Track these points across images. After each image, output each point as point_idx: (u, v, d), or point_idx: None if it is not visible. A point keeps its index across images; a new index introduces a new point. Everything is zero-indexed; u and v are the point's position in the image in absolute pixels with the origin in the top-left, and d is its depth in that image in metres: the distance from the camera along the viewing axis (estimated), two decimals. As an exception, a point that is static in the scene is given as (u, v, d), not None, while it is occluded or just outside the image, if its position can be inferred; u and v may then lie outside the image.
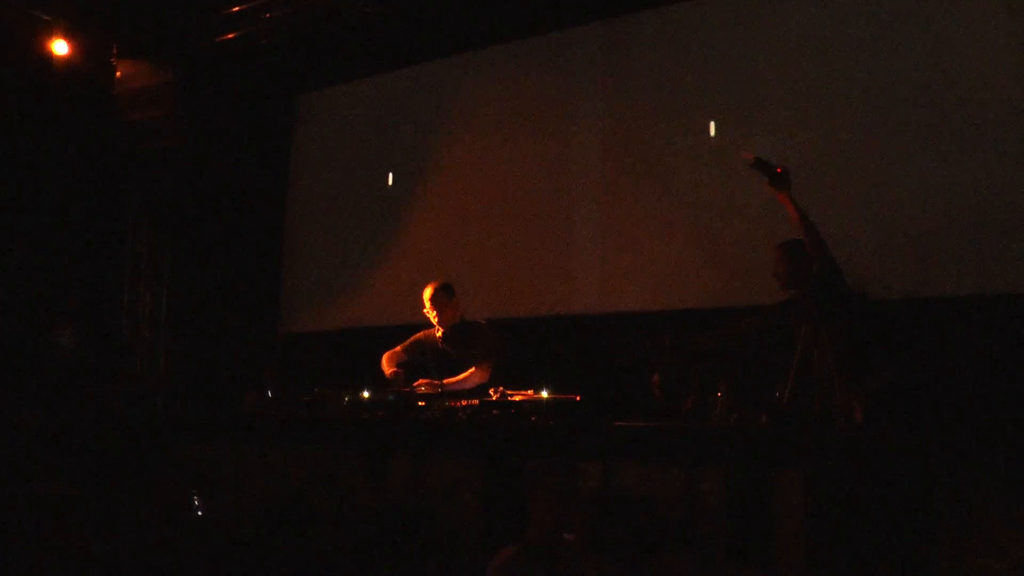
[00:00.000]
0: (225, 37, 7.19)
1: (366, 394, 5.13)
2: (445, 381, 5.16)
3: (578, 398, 4.42)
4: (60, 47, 7.07)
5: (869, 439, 3.84)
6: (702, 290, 5.93)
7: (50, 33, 7.02)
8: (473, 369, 5.28)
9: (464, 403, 4.72)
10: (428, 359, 5.60)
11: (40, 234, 7.59)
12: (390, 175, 7.50)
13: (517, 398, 4.64)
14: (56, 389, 7.26)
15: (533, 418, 4.42)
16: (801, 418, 4.17)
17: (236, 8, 6.92)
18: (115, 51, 7.37)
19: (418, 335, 5.69)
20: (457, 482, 4.41)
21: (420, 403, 4.95)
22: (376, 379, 5.38)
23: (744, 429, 4.19)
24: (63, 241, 7.68)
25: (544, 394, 4.55)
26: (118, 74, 7.37)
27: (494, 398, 4.68)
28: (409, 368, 5.52)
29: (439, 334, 5.55)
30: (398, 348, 5.65)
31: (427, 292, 5.52)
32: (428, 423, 4.79)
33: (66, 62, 7.15)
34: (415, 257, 7.24)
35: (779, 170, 4.36)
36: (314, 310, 7.80)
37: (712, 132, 6.02)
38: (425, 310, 5.52)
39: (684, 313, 5.98)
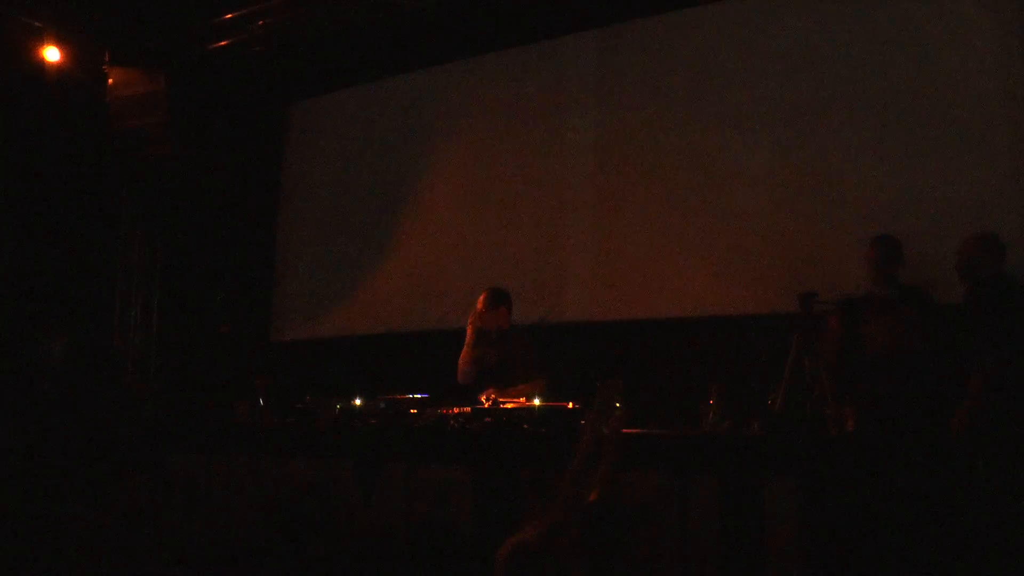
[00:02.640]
0: (218, 45, 7.17)
1: (358, 402, 5.11)
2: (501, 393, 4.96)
3: (570, 405, 4.41)
4: (52, 54, 7.03)
5: (861, 447, 3.84)
6: (695, 298, 5.93)
7: (42, 40, 6.99)
8: (535, 383, 5.08)
9: (456, 411, 4.71)
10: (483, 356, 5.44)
11: (31, 242, 7.55)
12: (381, 183, 7.49)
13: (509, 405, 4.63)
14: (47, 398, 7.22)
15: (525, 426, 4.41)
16: (793, 426, 4.17)
17: (229, 16, 6.91)
18: (107, 58, 7.35)
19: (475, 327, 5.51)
20: (449, 490, 4.40)
21: (412, 410, 4.93)
22: (367, 388, 5.36)
23: (736, 437, 4.19)
24: (54, 249, 7.64)
25: (536, 402, 4.54)
26: (110, 81, 7.35)
27: (486, 405, 4.67)
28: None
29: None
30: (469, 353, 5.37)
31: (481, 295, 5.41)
32: (420, 431, 4.78)
33: (58, 69, 7.11)
34: (407, 265, 7.23)
35: None
36: (306, 318, 7.78)
37: (705, 139, 6.04)
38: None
39: (675, 321, 5.99)
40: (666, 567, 3.76)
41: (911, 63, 5.38)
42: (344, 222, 7.67)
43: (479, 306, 5.24)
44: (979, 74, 5.19)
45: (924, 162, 5.29)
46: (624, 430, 3.70)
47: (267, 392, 5.81)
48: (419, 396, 5.11)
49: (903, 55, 5.41)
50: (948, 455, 3.62)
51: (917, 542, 3.46)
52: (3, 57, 6.99)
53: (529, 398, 4.68)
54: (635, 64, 6.38)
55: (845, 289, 4.71)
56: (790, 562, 3.60)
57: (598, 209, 6.42)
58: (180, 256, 8.21)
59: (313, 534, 3.98)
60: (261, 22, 6.93)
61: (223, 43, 7.16)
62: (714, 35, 6.09)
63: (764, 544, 3.66)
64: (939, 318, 4.38)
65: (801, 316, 4.48)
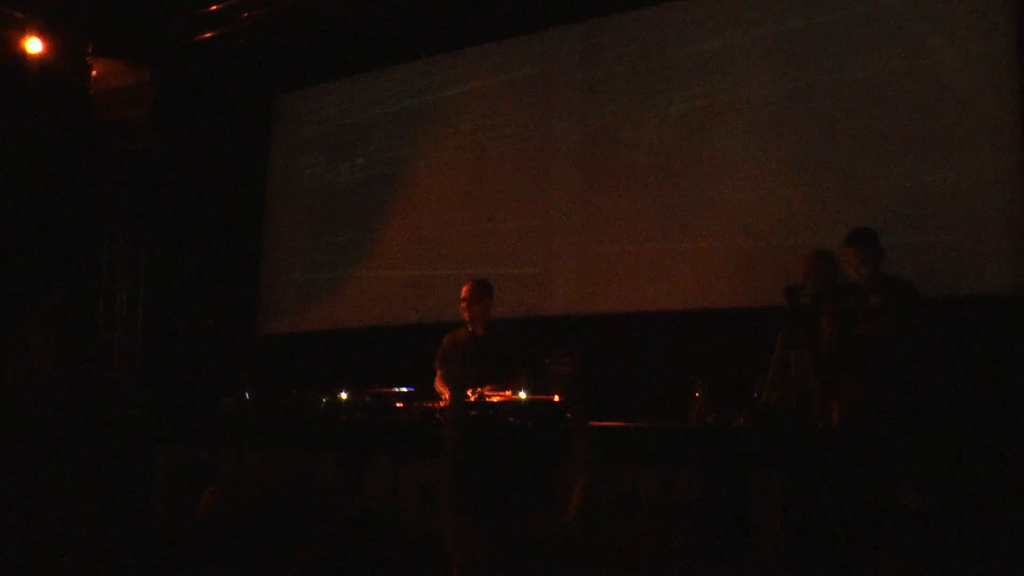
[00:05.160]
0: (202, 36, 7.12)
1: (344, 396, 5.11)
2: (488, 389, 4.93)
3: (556, 399, 4.40)
4: (34, 45, 6.97)
5: (846, 441, 3.85)
6: (681, 291, 5.93)
7: (24, 31, 6.93)
8: (517, 377, 5.02)
9: (442, 404, 4.70)
10: (456, 359, 5.34)
11: (13, 235, 7.50)
12: (367, 176, 7.47)
13: (495, 399, 4.62)
14: (31, 393, 7.17)
15: (511, 419, 4.40)
16: (779, 419, 4.17)
17: (214, 7, 6.86)
18: (91, 50, 7.29)
19: (445, 340, 5.45)
20: (434, 483, 4.40)
21: (397, 404, 4.92)
22: (353, 381, 5.35)
23: (722, 430, 4.20)
24: (37, 243, 7.59)
25: (522, 395, 4.53)
26: (94, 73, 7.29)
27: (472, 399, 4.66)
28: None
29: (468, 331, 5.34)
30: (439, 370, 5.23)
31: (464, 287, 5.32)
32: (405, 425, 4.78)
33: (40, 61, 7.06)
34: (393, 258, 7.22)
35: None
36: (292, 312, 7.75)
37: (690, 131, 6.05)
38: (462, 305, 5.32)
39: (661, 314, 5.99)
40: (651, 557, 3.77)
41: (898, 57, 5.39)
42: (330, 215, 7.65)
43: (464, 294, 5.21)
44: (965, 68, 5.20)
45: (910, 155, 5.30)
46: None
47: (253, 386, 5.81)
48: (405, 389, 5.11)
49: (890, 49, 5.41)
50: (933, 450, 3.63)
51: (900, 535, 3.47)
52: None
53: (514, 392, 4.67)
54: (621, 57, 6.38)
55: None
56: (774, 553, 3.61)
57: (584, 202, 6.41)
58: (165, 249, 8.17)
59: (298, 526, 3.98)
60: (246, 14, 6.89)
61: (208, 35, 7.11)
62: (700, 27, 6.08)
63: (749, 536, 3.67)
64: (927, 315, 4.37)
65: (787, 310, 4.48)
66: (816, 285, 4.58)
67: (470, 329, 5.31)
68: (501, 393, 4.70)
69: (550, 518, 3.40)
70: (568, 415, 3.54)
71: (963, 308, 4.96)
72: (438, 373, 5.11)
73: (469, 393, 4.72)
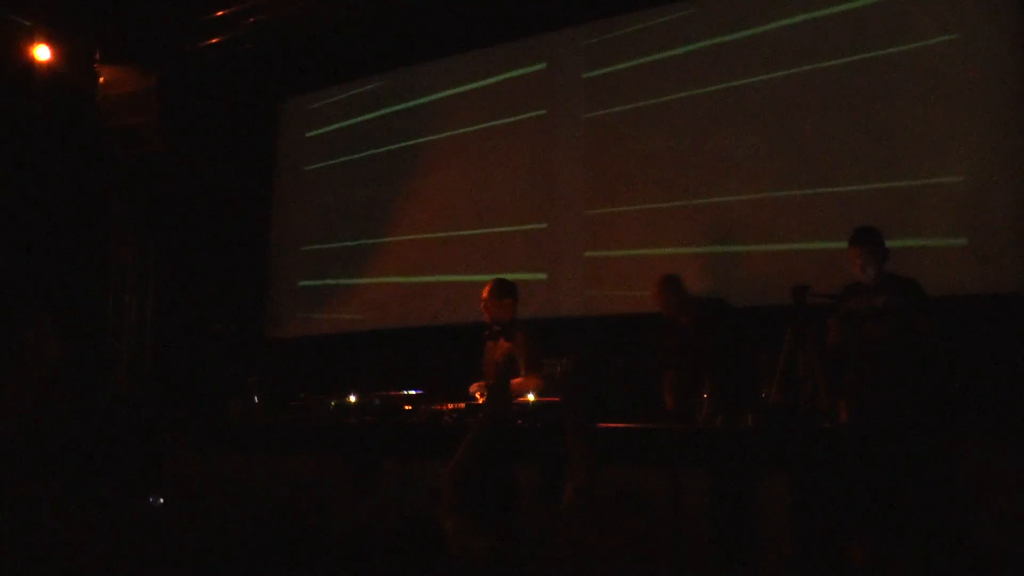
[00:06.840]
0: (208, 42, 7.16)
1: (352, 399, 5.11)
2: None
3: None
4: (42, 53, 7.03)
5: (854, 440, 3.85)
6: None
7: (32, 38, 6.98)
8: (521, 379, 4.88)
9: (450, 406, 4.71)
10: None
11: (23, 242, 7.53)
12: (373, 179, 7.49)
13: (504, 401, 4.62)
14: (40, 398, 7.21)
15: (520, 421, 4.42)
16: (787, 419, 4.17)
17: (219, 13, 6.90)
18: (98, 56, 7.34)
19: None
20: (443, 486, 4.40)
21: (406, 407, 4.93)
22: (361, 384, 5.35)
23: (730, 430, 4.20)
24: (46, 249, 7.63)
25: (530, 397, 4.54)
26: (101, 80, 7.34)
27: (479, 401, 4.67)
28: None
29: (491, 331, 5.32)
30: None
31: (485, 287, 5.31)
32: (414, 428, 4.78)
33: (48, 68, 7.11)
34: (400, 261, 7.24)
35: None
36: (299, 315, 7.78)
37: (694, 132, 6.05)
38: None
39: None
40: (659, 561, 3.77)
41: (899, 55, 5.39)
42: (337, 218, 7.67)
43: (484, 295, 5.22)
44: (968, 66, 5.20)
45: (912, 154, 5.30)
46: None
47: (261, 390, 5.81)
48: (413, 392, 5.11)
49: (892, 47, 5.41)
50: (941, 448, 3.63)
51: (910, 534, 3.47)
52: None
53: (522, 395, 4.68)
54: (624, 59, 6.39)
55: (836, 281, 4.70)
56: (783, 555, 3.61)
57: (588, 204, 6.43)
58: (173, 254, 8.20)
59: (307, 531, 3.98)
60: (252, 19, 6.93)
61: (214, 40, 7.15)
62: (703, 29, 6.09)
63: (758, 537, 3.67)
64: (933, 313, 4.37)
65: (794, 309, 4.48)
66: (671, 308, 5.11)
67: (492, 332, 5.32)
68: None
69: (550, 516, 3.40)
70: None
71: (969, 306, 4.95)
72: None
73: (476, 395, 4.75)
